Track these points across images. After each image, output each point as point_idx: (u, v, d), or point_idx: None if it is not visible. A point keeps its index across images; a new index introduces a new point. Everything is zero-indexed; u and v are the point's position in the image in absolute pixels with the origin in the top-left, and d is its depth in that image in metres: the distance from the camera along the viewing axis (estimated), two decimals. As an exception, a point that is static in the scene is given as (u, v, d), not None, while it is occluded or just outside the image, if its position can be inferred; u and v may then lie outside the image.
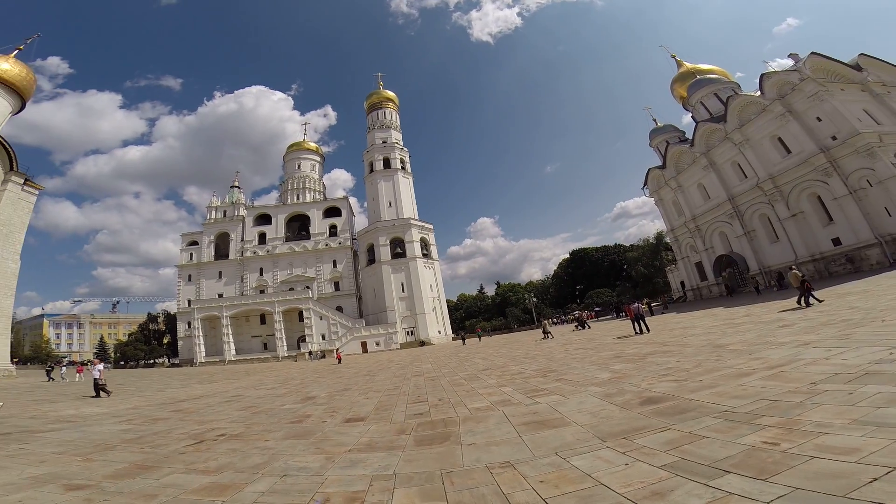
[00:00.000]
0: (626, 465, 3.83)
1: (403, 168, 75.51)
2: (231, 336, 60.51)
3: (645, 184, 55.95)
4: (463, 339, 46.87)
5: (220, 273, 72.05)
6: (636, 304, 20.72)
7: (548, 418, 6.16)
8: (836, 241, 33.16)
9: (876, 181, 29.92)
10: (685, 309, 35.16)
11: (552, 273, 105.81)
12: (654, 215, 60.85)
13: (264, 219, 76.99)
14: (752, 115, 39.16)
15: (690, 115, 52.93)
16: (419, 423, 7.12)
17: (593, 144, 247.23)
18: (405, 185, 74.36)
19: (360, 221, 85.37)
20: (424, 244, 70.74)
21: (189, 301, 67.33)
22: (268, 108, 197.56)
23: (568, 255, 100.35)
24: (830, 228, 33.74)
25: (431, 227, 73.65)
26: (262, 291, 69.49)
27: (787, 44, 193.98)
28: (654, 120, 58.92)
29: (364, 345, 58.37)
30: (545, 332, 28.91)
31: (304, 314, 61.49)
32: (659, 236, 68.65)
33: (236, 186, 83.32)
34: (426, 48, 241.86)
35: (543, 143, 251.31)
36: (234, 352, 59.92)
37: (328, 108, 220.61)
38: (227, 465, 5.51)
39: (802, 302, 16.09)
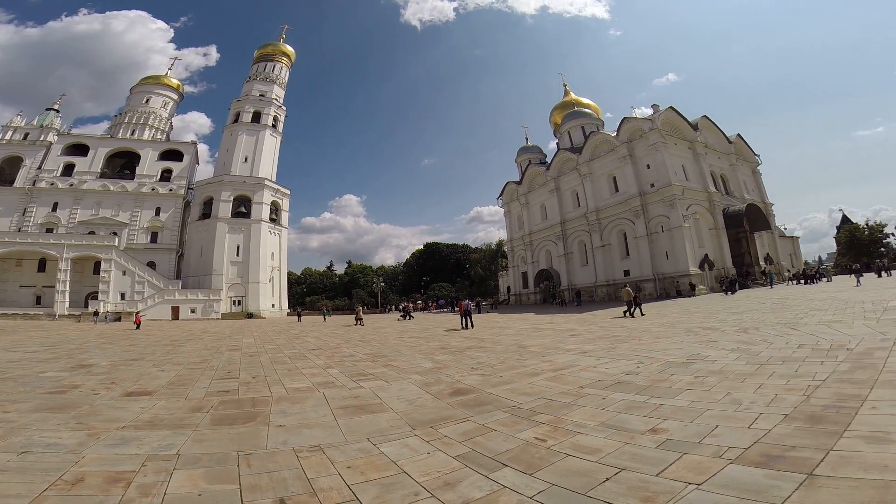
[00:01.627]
0: (428, 454, 4.06)
1: (275, 126, 68.51)
2: (-10, 282, 46.67)
3: (501, 195, 61.38)
4: (298, 316, 44.46)
5: (-7, 200, 54.64)
6: (466, 302, 22.84)
7: (368, 403, 6.29)
8: (627, 272, 41.34)
9: (667, 228, 37.90)
10: (507, 311, 39.77)
11: (405, 261, 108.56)
12: (501, 225, 67.04)
13: (79, 149, 60.90)
14: (603, 152, 45.57)
15: (556, 141, 59.44)
16: (222, 402, 6.59)
17: (471, 148, 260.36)
18: (270, 143, 67.37)
19: (206, 173, 73.85)
20: (276, 209, 65.08)
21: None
22: (139, 35, 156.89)
23: (422, 247, 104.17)
24: (625, 261, 41.93)
25: (288, 192, 68.20)
26: (49, 231, 54.24)
27: (660, 95, 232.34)
28: (527, 138, 65.50)
29: (175, 310, 50.24)
30: (357, 319, 29.59)
31: (103, 265, 49.83)
32: (499, 244, 76.53)
33: (54, 109, 64.49)
34: (351, 16, 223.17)
35: (429, 137, 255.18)
36: (-12, 303, 46.19)
37: (212, 49, 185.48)
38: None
39: (628, 314, 20.15)
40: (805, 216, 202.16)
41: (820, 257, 73.51)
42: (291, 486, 3.40)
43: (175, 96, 76.30)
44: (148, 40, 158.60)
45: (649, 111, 44.21)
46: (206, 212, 60.27)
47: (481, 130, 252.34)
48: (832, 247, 69.87)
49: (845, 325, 10.37)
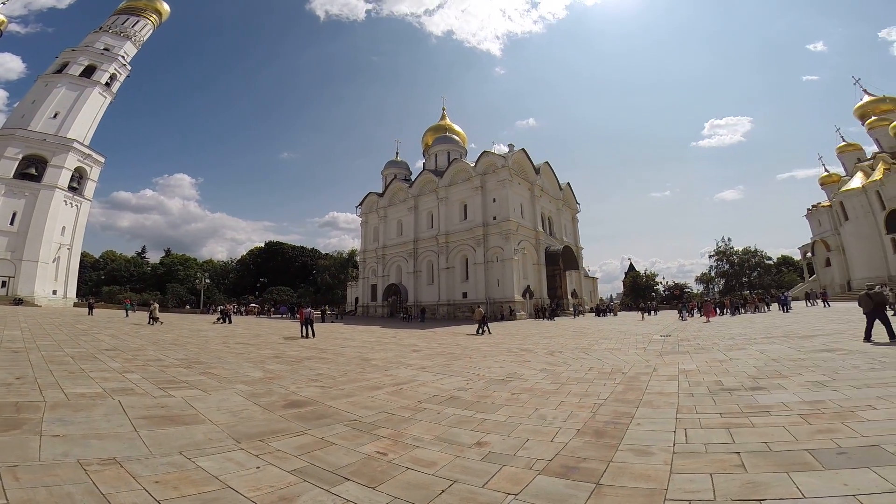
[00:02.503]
0: (258, 468, 3.81)
1: (108, 85, 55.76)
2: None
3: (361, 204, 60.53)
4: (90, 307, 35.90)
5: None
6: (308, 309, 21.60)
7: (179, 414, 5.53)
8: (465, 295, 44.78)
9: (501, 258, 42.22)
10: (353, 322, 39.10)
11: (240, 258, 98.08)
12: (356, 234, 66.00)
13: None
14: (460, 180, 48.55)
15: (424, 162, 61.30)
16: None
17: (340, 151, 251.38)
18: (96, 103, 54.55)
19: None
20: (80, 176, 52.60)
21: None
22: None
23: (263, 245, 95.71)
24: (465, 284, 45.36)
25: (102, 160, 55.86)
26: None
27: (518, 135, 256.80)
28: (397, 153, 66.12)
29: None
30: (151, 318, 25.04)
31: None
32: (352, 253, 75.10)
33: None
34: None
35: (296, 131, 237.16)
36: None
37: None
38: None
39: (481, 331, 22.57)
40: (604, 260, 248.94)
41: (611, 295, 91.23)
42: (81, 500, 2.87)
43: None
44: None
45: (506, 149, 49.43)
46: None
47: (355, 136, 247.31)
48: (620, 288, 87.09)
49: (623, 352, 12.95)
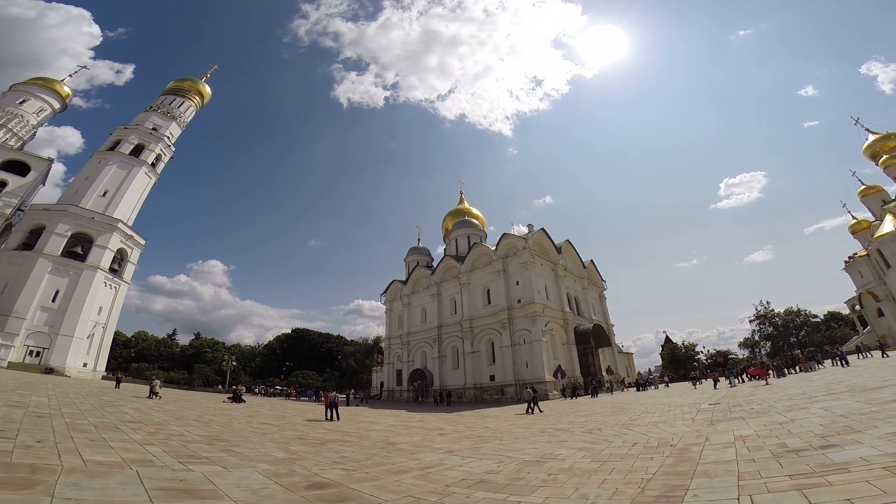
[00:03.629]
0: None
1: (154, 166, 59.89)
2: None
3: (385, 292, 61.44)
4: (117, 381, 35.88)
5: None
6: (333, 393, 21.32)
7: (197, 488, 5.31)
8: (493, 377, 43.06)
9: (528, 340, 41.06)
10: (378, 406, 37.74)
11: (266, 343, 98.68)
12: (381, 321, 66.10)
13: None
14: (482, 264, 49.13)
15: (444, 247, 62.54)
16: None
17: (362, 239, 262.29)
18: (142, 183, 57.78)
19: (50, 197, 60.66)
20: (121, 258, 54.95)
21: None
22: (65, 33, 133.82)
23: (290, 331, 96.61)
24: (492, 367, 43.79)
25: (143, 242, 58.40)
26: None
27: (536, 215, 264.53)
28: (419, 239, 68.01)
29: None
30: (152, 392, 25.18)
31: None
32: (377, 340, 74.83)
33: None
34: (284, 76, 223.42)
35: (320, 218, 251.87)
36: None
37: (129, 68, 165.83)
38: None
39: (531, 411, 22.64)
40: (638, 335, 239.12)
41: (649, 369, 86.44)
42: None
43: (57, 105, 63.16)
44: (70, 41, 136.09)
45: (525, 229, 50.24)
46: (30, 242, 48.04)
47: (376, 223, 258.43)
48: (658, 361, 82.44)
49: (668, 424, 11.93)
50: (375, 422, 19.88)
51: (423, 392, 48.56)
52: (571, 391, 35.85)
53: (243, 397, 31.46)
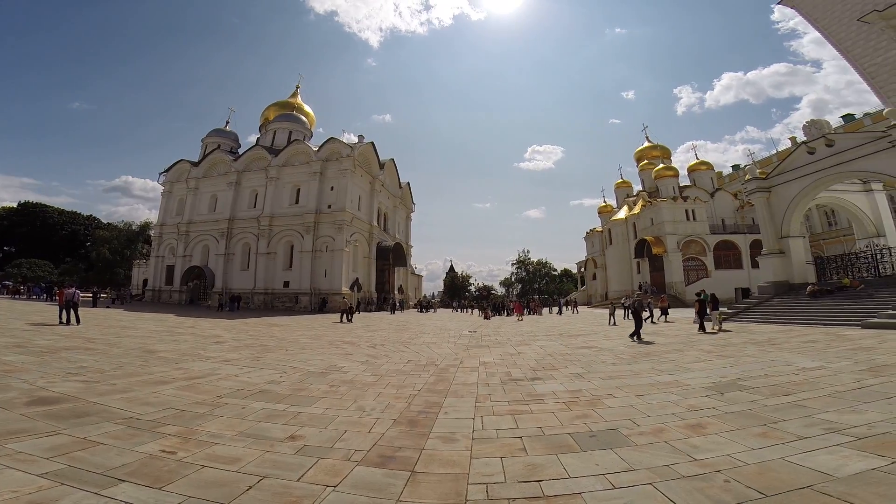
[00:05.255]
0: None
1: None
2: None
3: (167, 171, 50.68)
4: None
5: None
6: (72, 290, 16.79)
7: None
8: (287, 284, 41.78)
9: (331, 248, 40.63)
10: (139, 308, 32.36)
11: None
12: (154, 204, 55.13)
13: None
14: (298, 162, 44.92)
15: (259, 137, 54.55)
16: None
17: (152, 108, 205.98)
18: None
19: None
20: None
21: None
22: None
23: (16, 206, 72.13)
24: (287, 273, 42.30)
25: None
26: None
27: (371, 128, 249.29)
28: (228, 122, 57.18)
29: None
30: None
31: None
32: (145, 226, 61.46)
33: None
34: None
35: (98, 76, 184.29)
36: None
37: None
38: None
39: (346, 319, 24.41)
40: (430, 260, 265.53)
41: (434, 293, 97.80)
42: None
43: None
44: None
45: (355, 139, 47.80)
46: None
47: (186, 98, 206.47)
48: (442, 286, 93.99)
49: (437, 346, 13.83)
50: (131, 326, 17.14)
51: (201, 294, 43.97)
52: (369, 305, 37.99)
53: None
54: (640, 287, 50.55)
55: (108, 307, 31.05)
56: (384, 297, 47.15)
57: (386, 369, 9.05)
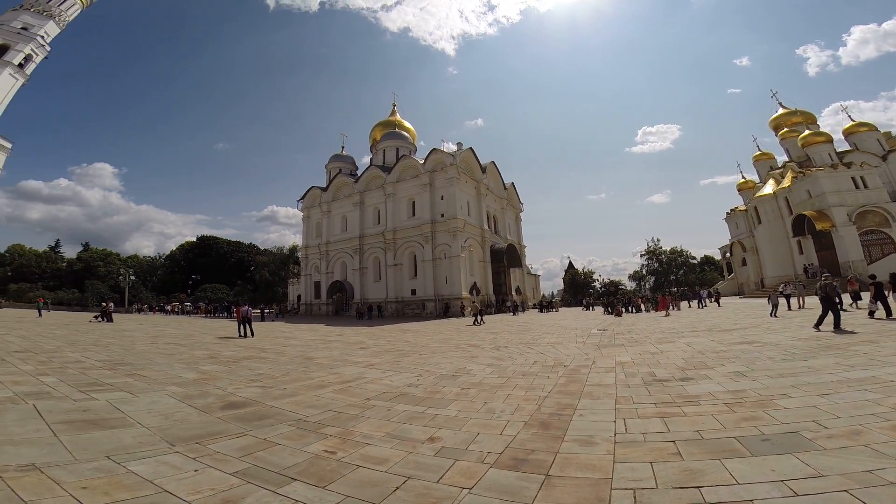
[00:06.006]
0: (196, 471, 3.62)
1: (22, 66, 49.27)
2: None
3: (303, 198, 58.35)
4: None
5: None
6: (246, 307, 20.45)
7: (104, 417, 5.11)
8: (414, 292, 44.71)
9: (449, 255, 42.48)
10: (295, 320, 37.78)
11: (168, 253, 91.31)
12: (298, 229, 63.52)
13: None
14: (409, 176, 48.15)
15: (371, 157, 59.83)
16: None
17: (281, 144, 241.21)
18: (5, 84, 47.89)
19: None
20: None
21: None
22: None
23: (195, 239, 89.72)
24: (413, 281, 45.27)
25: (10, 146, 49.63)
26: None
27: (467, 135, 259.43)
28: (343, 147, 63.92)
29: None
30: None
31: None
32: (293, 249, 71.50)
33: None
34: None
35: (232, 121, 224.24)
36: None
37: None
38: None
39: (477, 323, 25.58)
40: (545, 259, 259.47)
41: (552, 292, 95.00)
42: None
43: None
44: None
45: (454, 147, 49.75)
46: None
47: (298, 129, 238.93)
48: (561, 285, 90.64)
49: (564, 346, 13.47)
50: (293, 337, 19.96)
51: (343, 305, 49.22)
52: (488, 308, 38.71)
53: (112, 315, 29.55)
54: (805, 270, 42.79)
55: (273, 321, 36.67)
56: (502, 300, 47.35)
57: (512, 371, 9.15)
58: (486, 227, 48.67)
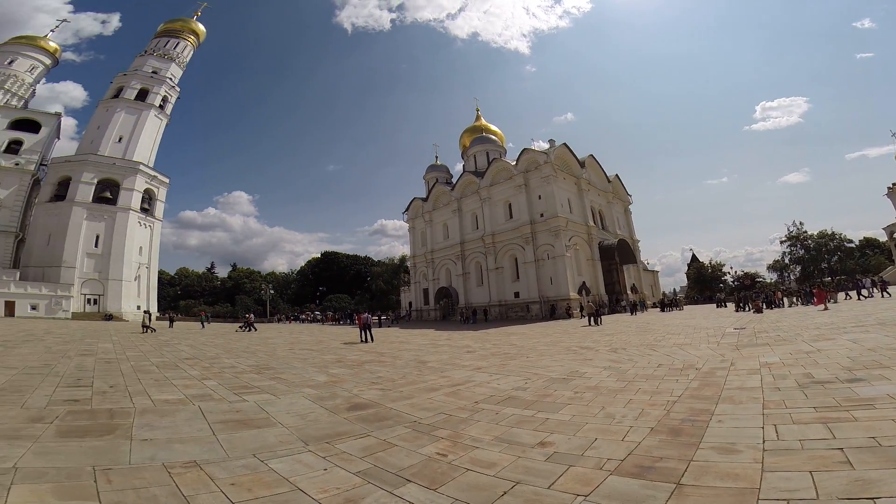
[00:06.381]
0: (325, 470, 3.88)
1: (162, 108, 60.24)
2: None
3: (407, 210, 61.64)
4: (170, 321, 39.36)
5: None
6: (366, 315, 22.17)
7: (252, 418, 5.80)
8: (517, 294, 44.14)
9: (552, 255, 41.18)
10: (407, 326, 39.87)
11: (299, 269, 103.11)
12: (405, 240, 67.04)
13: None
14: (502, 179, 48.08)
15: (463, 164, 61.21)
16: (70, 412, 5.62)
17: (382, 160, 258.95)
18: (154, 125, 59.02)
19: (68, 150, 61.49)
20: (149, 198, 57.25)
21: None
22: None
23: (319, 255, 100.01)
24: (516, 284, 44.73)
25: (166, 181, 60.39)
26: None
27: (558, 131, 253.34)
28: (437, 157, 66.39)
29: (10, 305, 41.66)
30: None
31: None
32: (402, 259, 76.33)
33: None
34: (279, 5, 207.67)
35: (339, 143, 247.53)
36: None
37: (115, 17, 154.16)
38: None
39: (593, 323, 25.01)
40: (663, 253, 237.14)
41: (674, 289, 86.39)
42: (165, 502, 3.04)
43: (48, 61, 63.80)
44: None
45: (546, 145, 48.21)
46: (61, 193, 50.79)
47: (394, 143, 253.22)
48: (684, 280, 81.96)
49: (693, 347, 12.13)
50: (406, 341, 20.99)
51: (450, 310, 50.58)
52: (602, 308, 36.55)
53: (254, 325, 33.53)
54: None
55: (388, 327, 39.11)
56: (616, 299, 44.36)
57: (633, 374, 8.49)
58: (591, 223, 46.28)
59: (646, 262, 59.58)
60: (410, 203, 61.15)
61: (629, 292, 47.33)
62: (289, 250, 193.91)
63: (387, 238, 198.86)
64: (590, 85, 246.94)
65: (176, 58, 64.19)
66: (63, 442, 4.40)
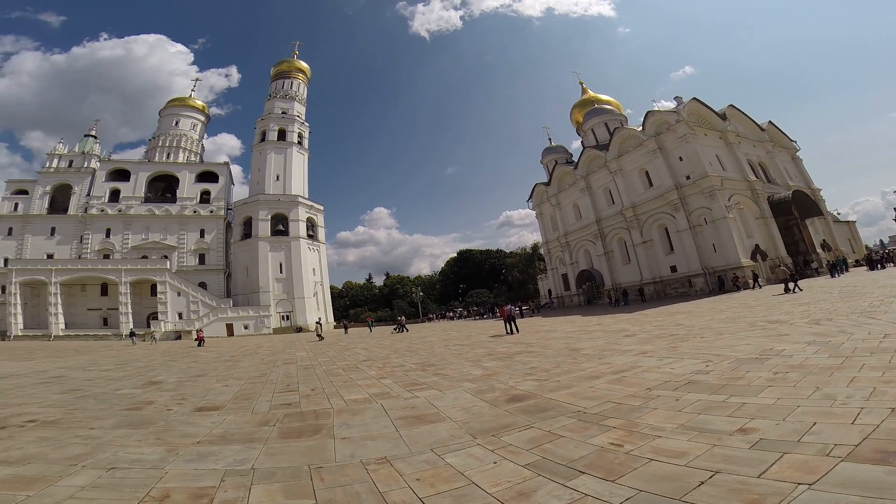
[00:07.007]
0: (495, 463, 3.92)
1: (300, 143, 69.98)
2: (61, 307, 49.38)
3: (530, 197, 60.56)
4: (345, 328, 45.57)
5: (52, 229, 57.93)
6: (509, 307, 22.24)
7: (425, 413, 6.20)
8: (674, 269, 39.71)
9: (711, 220, 36.15)
10: (550, 314, 39.00)
11: (440, 270, 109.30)
12: (534, 227, 65.93)
13: (121, 175, 63.76)
14: (630, 147, 44.16)
15: (581, 140, 58.05)
16: (287, 415, 6.70)
17: (489, 154, 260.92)
18: (298, 160, 68.97)
19: (241, 193, 75.62)
20: (311, 225, 66.68)
21: (6, 260, 52.83)
22: (160, 59, 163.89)
23: (455, 255, 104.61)
24: (670, 257, 40.27)
25: (322, 208, 69.72)
26: (106, 257, 57.76)
27: (678, 88, 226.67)
28: (550, 139, 64.17)
29: (230, 327, 52.84)
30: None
31: (159, 287, 52.76)
32: (535, 247, 75.13)
33: (92, 135, 67.49)
34: (359, 28, 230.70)
35: (447, 146, 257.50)
36: (63, 326, 49.00)
37: (233, 69, 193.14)
38: (35, 456, 4.63)
39: (789, 291, 21.78)
40: (856, 200, 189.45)
41: (882, 241, 67.52)
42: (365, 500, 3.35)
43: (202, 118, 77.84)
44: (169, 63, 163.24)
45: (672, 104, 42.56)
46: (247, 232, 62.20)
47: (498, 135, 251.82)
48: (892, 229, 63.94)
49: (934, 310, 9.39)
50: (552, 330, 20.53)
51: (595, 293, 47.98)
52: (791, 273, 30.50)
53: (406, 326, 36.36)
54: None
55: (530, 317, 38.82)
56: (803, 260, 36.72)
57: (850, 348, 6.94)
58: (751, 177, 39.26)
59: (836, 213, 48.26)
60: (533, 189, 59.83)
61: (820, 250, 38.80)
62: (429, 254, 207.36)
63: (514, 228, 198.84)
64: (701, 34, 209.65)
65: (296, 96, 72.63)
66: (285, 443, 5.04)
